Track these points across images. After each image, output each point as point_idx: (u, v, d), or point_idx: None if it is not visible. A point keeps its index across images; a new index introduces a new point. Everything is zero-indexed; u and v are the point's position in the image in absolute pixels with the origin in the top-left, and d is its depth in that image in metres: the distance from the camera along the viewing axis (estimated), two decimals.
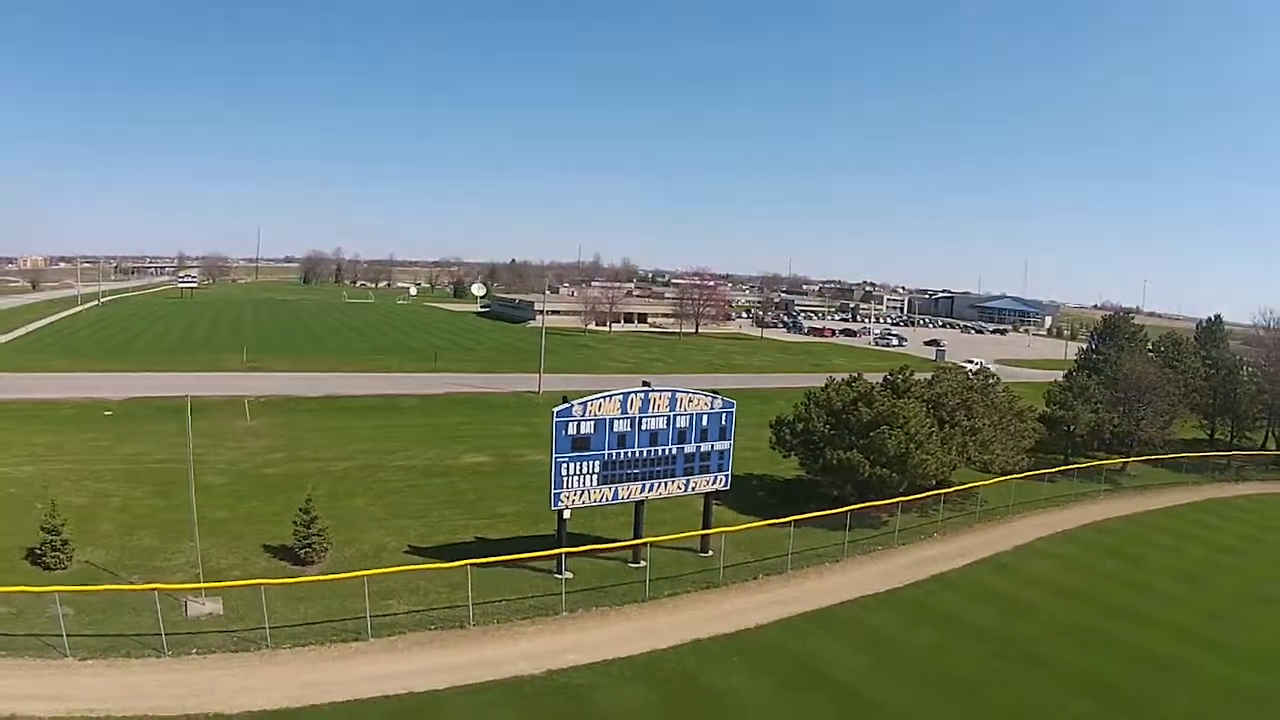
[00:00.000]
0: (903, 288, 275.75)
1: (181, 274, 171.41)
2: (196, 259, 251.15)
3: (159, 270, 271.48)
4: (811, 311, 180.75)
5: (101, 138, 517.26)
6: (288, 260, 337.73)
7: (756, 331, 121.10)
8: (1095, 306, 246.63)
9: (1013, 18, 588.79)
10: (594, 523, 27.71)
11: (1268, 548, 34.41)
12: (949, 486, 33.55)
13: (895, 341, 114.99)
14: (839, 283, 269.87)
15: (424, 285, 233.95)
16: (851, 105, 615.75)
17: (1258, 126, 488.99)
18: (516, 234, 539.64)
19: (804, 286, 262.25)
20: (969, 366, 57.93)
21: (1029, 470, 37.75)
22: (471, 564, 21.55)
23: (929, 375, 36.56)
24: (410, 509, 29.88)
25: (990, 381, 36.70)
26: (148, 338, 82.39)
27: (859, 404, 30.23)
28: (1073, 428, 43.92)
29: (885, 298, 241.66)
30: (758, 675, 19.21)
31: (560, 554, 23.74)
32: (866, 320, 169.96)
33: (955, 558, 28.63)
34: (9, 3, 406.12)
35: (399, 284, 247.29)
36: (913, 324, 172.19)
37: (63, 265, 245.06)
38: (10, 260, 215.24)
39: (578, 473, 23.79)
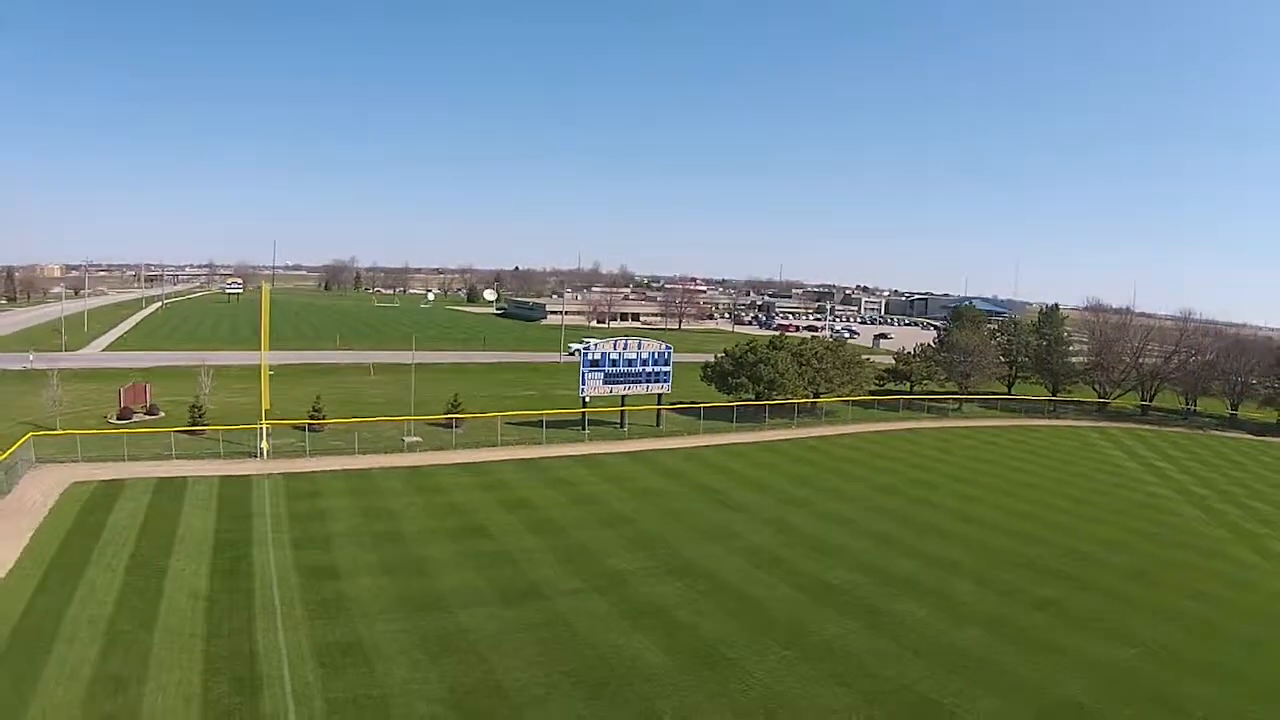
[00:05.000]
0: (895, 290, 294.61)
1: (230, 281, 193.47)
2: (226, 268, 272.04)
3: (176, 278, 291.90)
4: (790, 312, 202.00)
5: (98, 144, 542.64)
6: (296, 268, 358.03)
7: (732, 327, 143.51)
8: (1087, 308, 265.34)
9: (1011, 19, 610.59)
10: (598, 411, 50.72)
11: (1024, 446, 55.52)
12: (807, 402, 56.54)
13: (847, 335, 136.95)
14: (831, 286, 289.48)
15: (438, 291, 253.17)
16: (847, 108, 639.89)
17: (1257, 126, 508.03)
18: (519, 240, 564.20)
19: (793, 290, 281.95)
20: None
21: (869, 399, 60.67)
22: (545, 415, 45.48)
23: (802, 339, 59.75)
24: (498, 409, 52.88)
25: (839, 344, 59.76)
26: (242, 329, 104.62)
27: (749, 353, 53.32)
28: (911, 379, 67.00)
29: (863, 300, 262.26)
30: (675, 458, 42.80)
31: (584, 416, 47.60)
32: (835, 319, 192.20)
33: (798, 435, 51.62)
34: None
35: (413, 290, 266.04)
36: (882, 322, 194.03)
37: (74, 274, 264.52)
38: (35, 269, 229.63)
39: (593, 378, 47.27)
